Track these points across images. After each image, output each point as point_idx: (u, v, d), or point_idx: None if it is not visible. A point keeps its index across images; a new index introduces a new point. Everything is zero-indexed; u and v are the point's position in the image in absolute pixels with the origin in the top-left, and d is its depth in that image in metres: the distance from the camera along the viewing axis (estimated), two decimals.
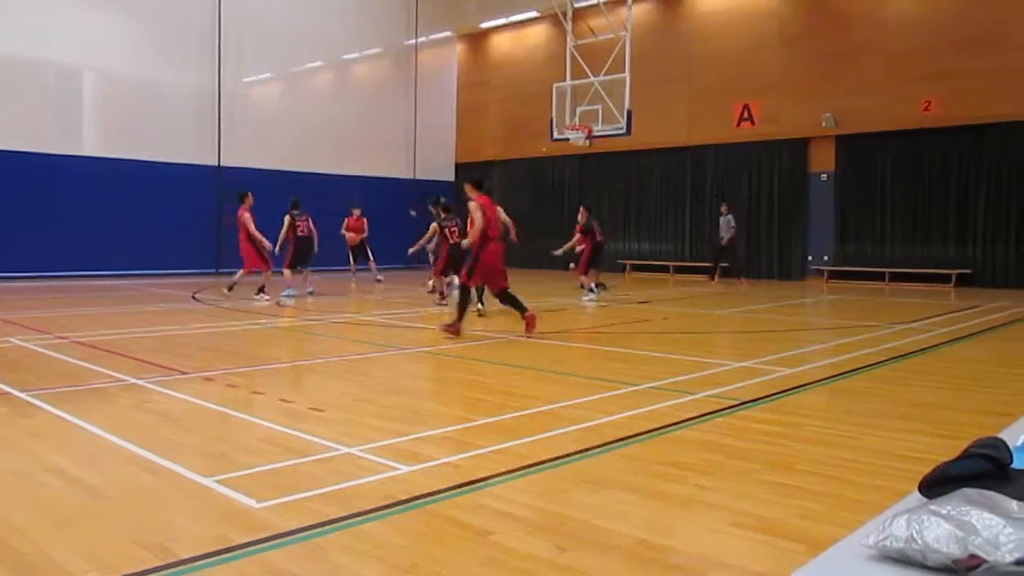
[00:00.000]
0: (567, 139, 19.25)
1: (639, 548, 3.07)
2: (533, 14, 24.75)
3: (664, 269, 22.30)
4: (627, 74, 17.67)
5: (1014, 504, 1.26)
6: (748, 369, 7.14)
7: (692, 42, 21.88)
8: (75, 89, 19.03)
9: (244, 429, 5.00)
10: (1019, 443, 1.64)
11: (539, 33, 25.31)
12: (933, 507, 1.23)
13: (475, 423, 5.09)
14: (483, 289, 12.52)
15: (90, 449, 4.47)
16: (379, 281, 17.36)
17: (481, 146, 26.74)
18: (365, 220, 17.47)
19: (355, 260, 17.61)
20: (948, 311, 12.48)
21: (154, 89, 19.59)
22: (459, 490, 3.73)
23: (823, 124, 19.40)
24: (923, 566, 1.15)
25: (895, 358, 7.83)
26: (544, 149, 23.66)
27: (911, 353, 8.17)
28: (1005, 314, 12.14)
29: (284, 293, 13.35)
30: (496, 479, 3.89)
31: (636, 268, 22.99)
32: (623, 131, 17.87)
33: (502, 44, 26.59)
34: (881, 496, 3.58)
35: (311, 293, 14.35)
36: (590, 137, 18.73)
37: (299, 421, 5.04)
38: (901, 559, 1.18)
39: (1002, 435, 1.63)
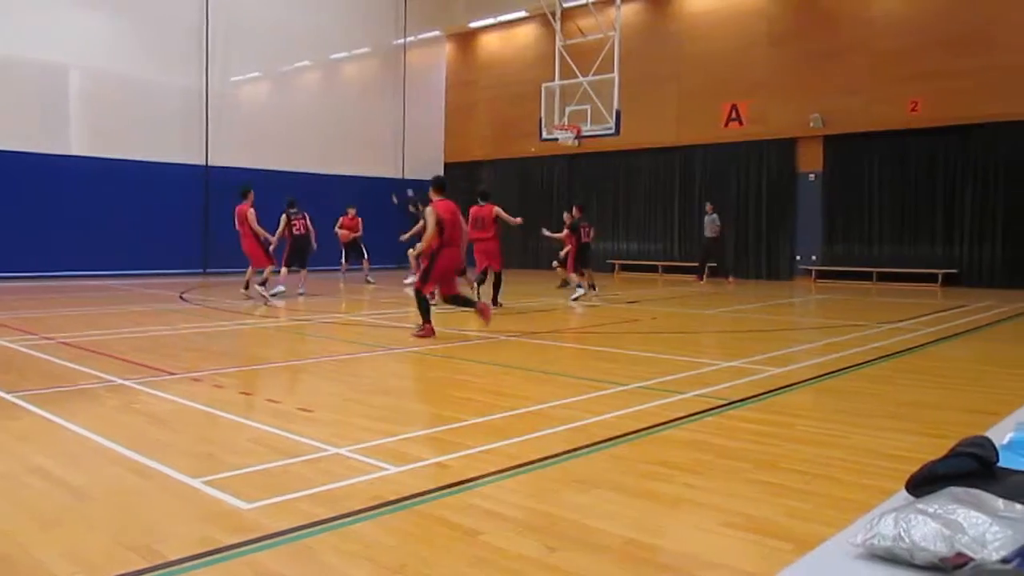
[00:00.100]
0: (556, 139, 19.26)
1: (628, 548, 3.07)
2: (522, 14, 24.75)
3: (653, 269, 22.34)
4: (616, 74, 17.69)
5: (1000, 502, 1.26)
6: (736, 369, 7.16)
7: (680, 42, 21.93)
8: (62, 88, 18.88)
9: (232, 430, 4.98)
10: (1005, 442, 1.65)
11: (528, 33, 25.31)
12: (920, 506, 1.24)
13: (464, 423, 5.09)
14: (499, 285, 12.61)
15: (76, 450, 4.44)
16: (369, 282, 17.34)
17: (470, 146, 26.72)
18: (360, 220, 17.45)
19: (347, 259, 17.58)
20: (935, 310, 12.56)
21: (141, 88, 19.47)
22: (448, 490, 3.72)
23: (811, 124, 19.48)
24: (910, 564, 1.16)
25: (882, 357, 7.87)
26: (533, 149, 23.67)
27: (898, 352, 8.21)
28: (991, 313, 12.22)
29: (272, 291, 13.31)
30: (485, 479, 3.88)
31: (625, 268, 23.03)
32: (612, 131, 17.89)
33: (491, 44, 26.58)
34: (869, 495, 3.59)
35: (301, 294, 14.31)
36: (579, 137, 18.74)
37: (287, 421, 5.02)
38: (888, 557, 1.18)
39: (988, 434, 1.64)
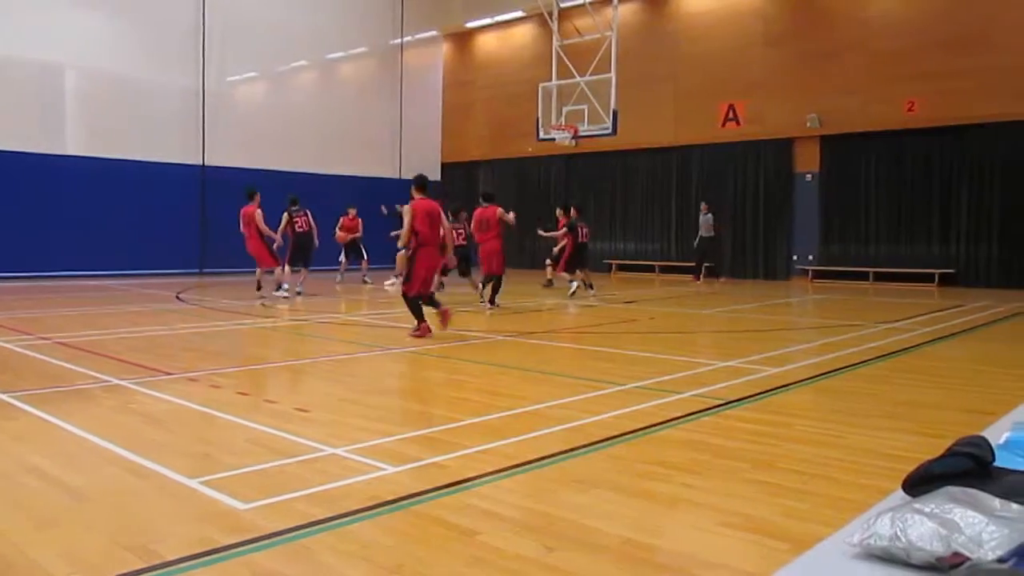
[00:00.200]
0: (553, 139, 19.25)
1: (626, 547, 3.08)
2: (519, 14, 24.75)
3: (650, 269, 22.36)
4: (613, 74, 17.69)
5: (997, 502, 1.27)
6: (734, 368, 7.17)
7: (678, 42, 21.94)
8: (59, 88, 18.86)
9: (229, 430, 4.97)
10: (1001, 441, 1.66)
11: (525, 33, 25.31)
12: (917, 505, 1.24)
13: (461, 423, 5.09)
14: (498, 286, 12.60)
15: (73, 450, 4.43)
16: (366, 282, 17.34)
17: (467, 146, 26.72)
18: (360, 220, 17.45)
19: (347, 259, 17.60)
20: (931, 310, 12.58)
21: (138, 88, 19.44)
22: (446, 490, 3.72)
23: (808, 124, 19.50)
24: (907, 564, 1.16)
25: (879, 357, 7.88)
26: (530, 149, 23.67)
27: (895, 352, 8.22)
28: (987, 313, 12.24)
29: (277, 291, 13.33)
30: (483, 479, 3.88)
31: (622, 268, 23.03)
32: (609, 131, 17.89)
33: (488, 44, 26.58)
34: (866, 494, 3.60)
35: (299, 293, 14.29)
36: (576, 137, 18.73)
37: (284, 422, 5.02)
38: (885, 557, 1.18)
39: (985, 433, 1.64)
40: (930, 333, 9.78)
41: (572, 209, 15.55)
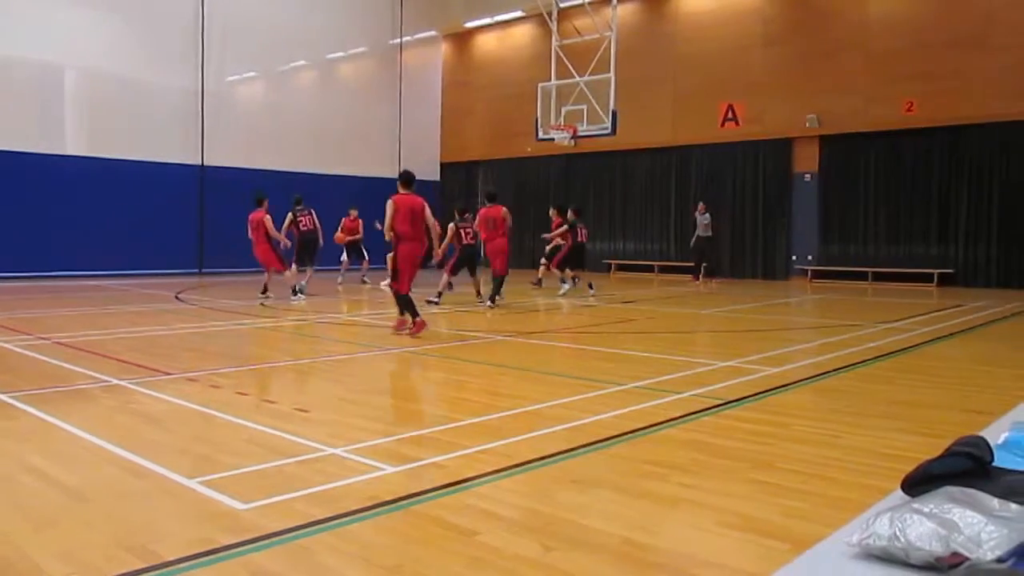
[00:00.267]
0: (552, 139, 19.24)
1: (625, 547, 3.08)
2: (518, 14, 24.75)
3: (649, 269, 22.36)
4: (612, 74, 17.69)
5: (995, 502, 1.27)
6: (733, 368, 7.17)
7: (677, 42, 21.95)
8: (58, 88, 18.84)
9: (228, 430, 4.97)
10: (1000, 441, 1.66)
11: (524, 33, 25.31)
12: (916, 505, 1.24)
13: (461, 423, 5.09)
14: (501, 284, 12.78)
15: (72, 450, 4.43)
16: (365, 282, 17.36)
17: (466, 146, 26.72)
18: (361, 221, 17.47)
19: (348, 258, 17.61)
20: (930, 310, 12.58)
21: (138, 88, 19.43)
22: (445, 490, 3.72)
23: (807, 124, 19.51)
24: (906, 564, 1.16)
25: (878, 357, 7.89)
26: (529, 149, 23.66)
27: (894, 352, 8.22)
28: (986, 313, 12.25)
29: (294, 297, 13.32)
30: (482, 479, 3.88)
31: (621, 268, 23.03)
32: (608, 131, 17.89)
33: (487, 44, 26.58)
34: (865, 494, 3.60)
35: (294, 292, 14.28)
36: (575, 137, 18.73)
37: (284, 422, 5.02)
38: (884, 557, 1.18)
39: (984, 433, 1.64)
40: (929, 333, 9.78)
41: (570, 211, 15.80)
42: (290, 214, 14.24)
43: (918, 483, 1.41)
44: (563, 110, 18.73)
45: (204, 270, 20.33)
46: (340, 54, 24.36)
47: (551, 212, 16.21)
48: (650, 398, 5.82)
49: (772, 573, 1.20)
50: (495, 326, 10.07)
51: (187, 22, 20.22)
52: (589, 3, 19.41)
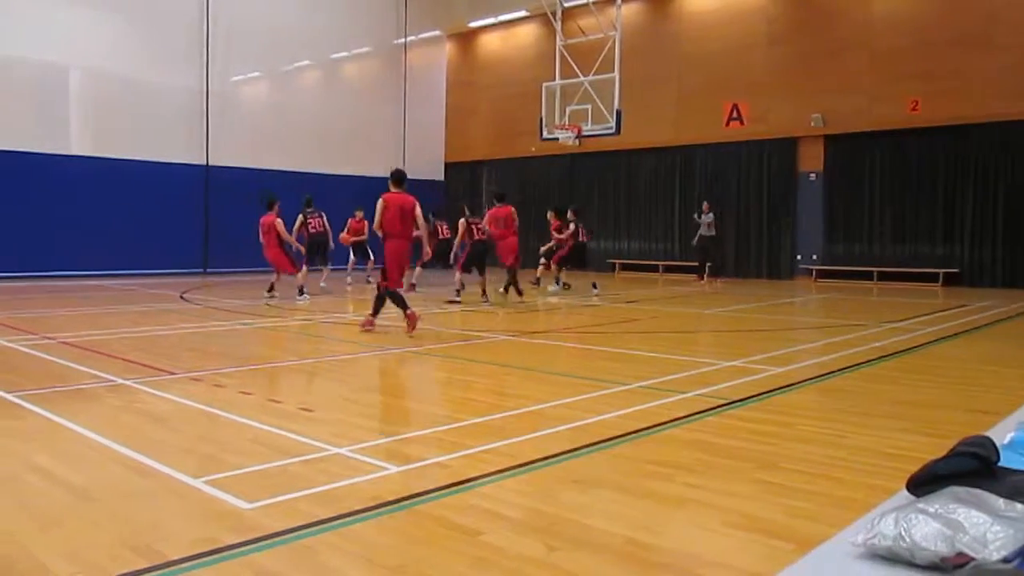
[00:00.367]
0: (556, 139, 19.24)
1: (629, 547, 3.07)
2: (522, 13, 24.74)
3: (653, 268, 22.34)
4: (616, 74, 17.68)
5: (1001, 502, 1.26)
6: (737, 368, 7.16)
7: (681, 42, 21.93)
8: (62, 88, 18.88)
9: (232, 429, 4.98)
10: (1006, 441, 1.65)
11: (528, 32, 25.30)
12: (921, 505, 1.24)
13: (465, 423, 5.09)
14: (514, 279, 12.96)
15: (77, 450, 4.44)
16: (369, 282, 17.37)
17: (470, 145, 26.72)
18: (367, 222, 17.51)
19: (355, 257, 17.67)
20: (935, 310, 12.55)
21: (142, 88, 19.47)
22: (449, 490, 3.72)
23: (811, 124, 19.48)
24: (911, 564, 1.16)
25: (883, 357, 7.87)
26: (533, 149, 23.65)
27: (899, 352, 8.21)
28: (991, 313, 12.22)
29: (299, 298, 13.37)
30: (486, 479, 3.88)
31: (625, 268, 23.02)
32: (612, 131, 17.88)
33: (491, 43, 26.58)
34: (870, 494, 3.59)
35: (303, 292, 14.28)
36: (579, 137, 18.73)
37: (288, 421, 5.02)
38: (890, 557, 1.18)
39: (989, 433, 1.63)
40: (934, 333, 9.76)
41: (569, 212, 15.98)
42: (300, 216, 14.33)
43: (923, 483, 1.41)
44: (567, 110, 18.73)
45: (209, 270, 20.36)
46: (344, 54, 24.37)
47: (549, 215, 16.32)
48: (654, 398, 5.82)
49: (777, 573, 1.20)
50: (498, 326, 10.07)
51: (191, 22, 20.25)
52: (593, 2, 19.38)
